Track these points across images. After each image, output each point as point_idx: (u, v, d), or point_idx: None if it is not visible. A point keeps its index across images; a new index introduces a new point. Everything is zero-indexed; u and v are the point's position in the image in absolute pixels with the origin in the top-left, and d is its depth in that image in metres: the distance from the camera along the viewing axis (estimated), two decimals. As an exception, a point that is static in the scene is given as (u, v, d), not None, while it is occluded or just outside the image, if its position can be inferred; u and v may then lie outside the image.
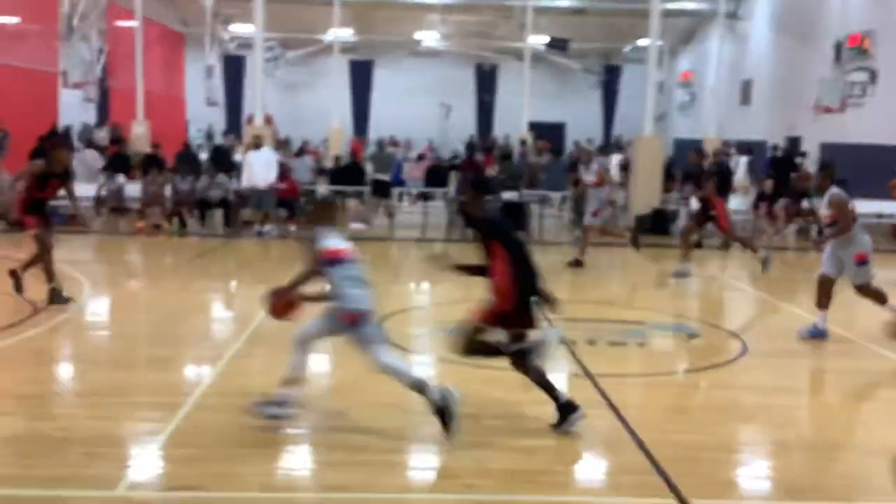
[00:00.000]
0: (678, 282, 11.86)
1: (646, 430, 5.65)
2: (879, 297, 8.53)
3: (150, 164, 16.63)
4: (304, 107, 36.01)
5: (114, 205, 16.29)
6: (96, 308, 9.51)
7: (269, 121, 19.35)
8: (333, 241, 5.52)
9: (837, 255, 8.47)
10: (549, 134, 30.07)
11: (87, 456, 5.13)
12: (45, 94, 24.46)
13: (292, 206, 15.95)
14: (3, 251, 11.66)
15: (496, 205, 15.48)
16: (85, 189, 16.41)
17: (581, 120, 36.33)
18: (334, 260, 5.45)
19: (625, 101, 36.01)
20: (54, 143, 9.84)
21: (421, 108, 36.38)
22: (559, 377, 6.94)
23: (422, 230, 17.01)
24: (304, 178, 17.15)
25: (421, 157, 20.22)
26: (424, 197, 17.87)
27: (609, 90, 37.84)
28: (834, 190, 8.40)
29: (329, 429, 5.61)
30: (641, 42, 29.12)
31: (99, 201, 16.26)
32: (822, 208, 8.56)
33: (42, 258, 8.84)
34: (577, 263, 12.51)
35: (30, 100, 22.96)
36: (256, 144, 15.19)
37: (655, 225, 16.87)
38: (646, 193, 17.44)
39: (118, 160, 17.64)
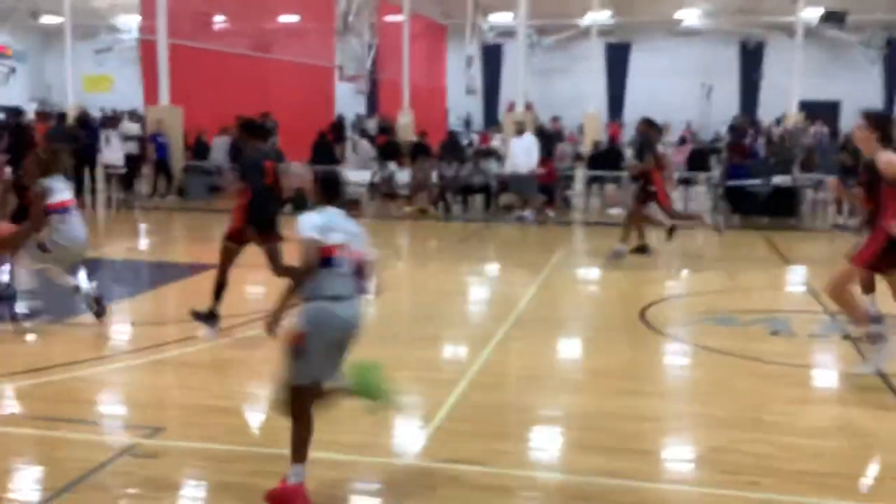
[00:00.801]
0: (616, 263, 11.15)
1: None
2: None
3: (418, 151, 17.44)
4: (560, 92, 36.07)
5: (385, 191, 17.25)
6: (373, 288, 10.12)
7: (529, 107, 19.60)
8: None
9: None
10: (821, 113, 28.08)
11: (378, 425, 5.52)
12: (323, 88, 26.33)
13: (551, 191, 16.10)
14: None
15: (766, 189, 14.73)
16: (359, 175, 17.55)
17: (858, 98, 33.47)
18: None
19: (910, 76, 32.82)
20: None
21: (679, 89, 35.22)
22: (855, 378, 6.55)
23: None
24: (562, 164, 17.22)
25: (683, 141, 19.59)
26: (686, 182, 17.32)
27: (891, 66, 34.57)
28: None
29: (605, 414, 5.62)
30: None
31: (372, 187, 17.29)
32: None
33: None
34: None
35: (309, 93, 24.84)
36: (519, 131, 15.47)
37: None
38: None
39: (389, 148, 18.66)
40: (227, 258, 7.55)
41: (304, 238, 4.21)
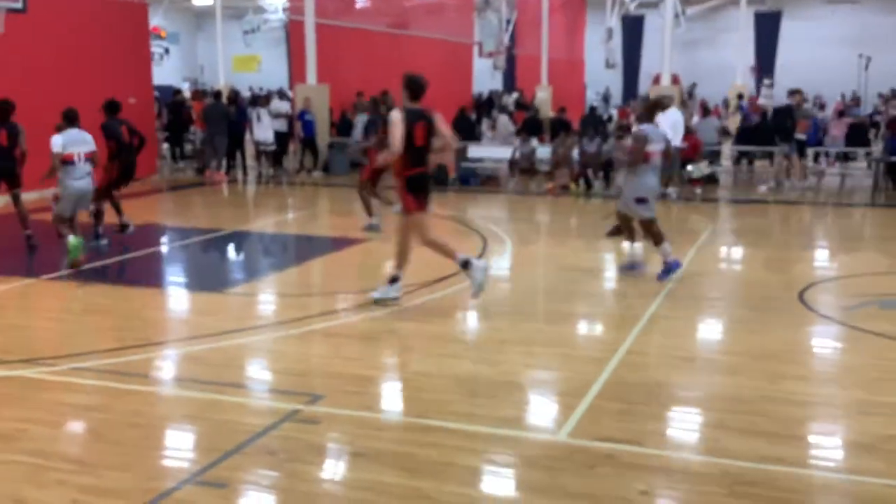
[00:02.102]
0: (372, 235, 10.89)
1: None
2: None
3: (559, 127, 17.24)
4: (705, 64, 34.95)
5: (525, 166, 17.16)
6: (515, 264, 10.11)
7: (675, 80, 19.02)
8: None
9: None
10: None
11: (529, 401, 5.53)
12: (462, 64, 26.41)
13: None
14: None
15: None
16: (500, 152, 17.55)
17: None
18: None
19: None
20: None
21: (834, 60, 33.50)
22: None
23: (839, 194, 15.73)
24: (709, 139, 16.65)
25: (842, 114, 18.55)
26: (845, 157, 16.43)
27: None
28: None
29: (764, 398, 5.41)
30: None
31: (512, 163, 17.23)
32: None
33: None
34: None
35: (449, 70, 24.95)
36: (664, 106, 14.97)
37: None
38: None
39: (531, 124, 18.54)
40: None
41: None
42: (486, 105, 22.86)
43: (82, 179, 9.44)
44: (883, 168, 14.79)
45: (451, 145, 7.83)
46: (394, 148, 7.11)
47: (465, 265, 7.46)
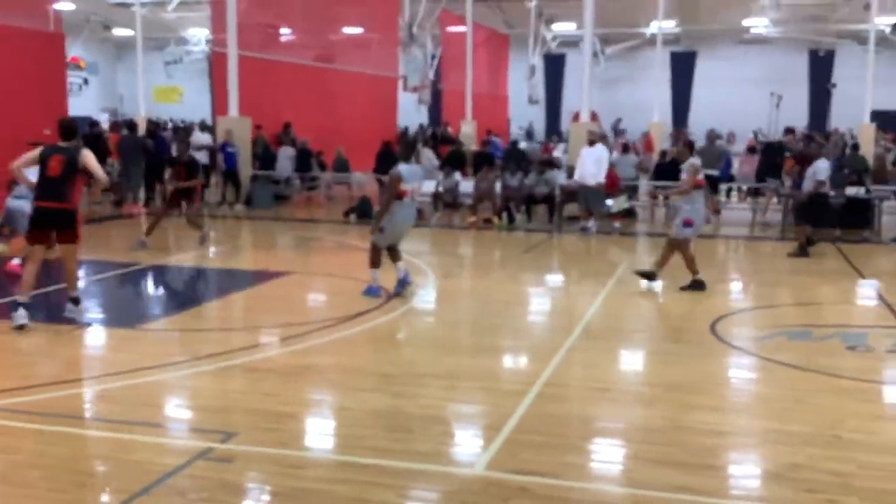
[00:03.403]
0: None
1: None
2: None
3: (481, 161, 17.43)
4: (624, 101, 35.83)
5: (449, 200, 17.27)
6: (438, 297, 10.14)
7: (594, 117, 19.46)
8: None
9: None
10: (893, 124, 27.33)
11: (447, 434, 5.53)
12: (387, 98, 26.54)
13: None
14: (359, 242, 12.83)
15: (839, 201, 14.37)
16: (424, 185, 17.58)
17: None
18: None
19: None
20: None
21: (746, 98, 34.72)
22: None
23: (751, 228, 16.25)
24: (627, 175, 17.05)
25: (752, 150, 19.24)
26: (756, 192, 16.99)
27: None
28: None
29: (678, 428, 5.52)
30: None
31: (436, 197, 17.32)
32: None
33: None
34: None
35: (373, 103, 25.06)
36: (591, 142, 15.32)
37: None
38: None
39: (454, 157, 18.70)
40: None
41: None
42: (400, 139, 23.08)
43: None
44: (791, 203, 15.32)
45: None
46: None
47: None
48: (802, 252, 12.53)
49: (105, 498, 4.50)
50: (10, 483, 4.63)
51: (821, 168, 12.76)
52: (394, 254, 9.49)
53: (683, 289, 9.95)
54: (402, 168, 9.21)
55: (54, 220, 7.82)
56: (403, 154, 9.64)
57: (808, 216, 12.91)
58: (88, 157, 7.82)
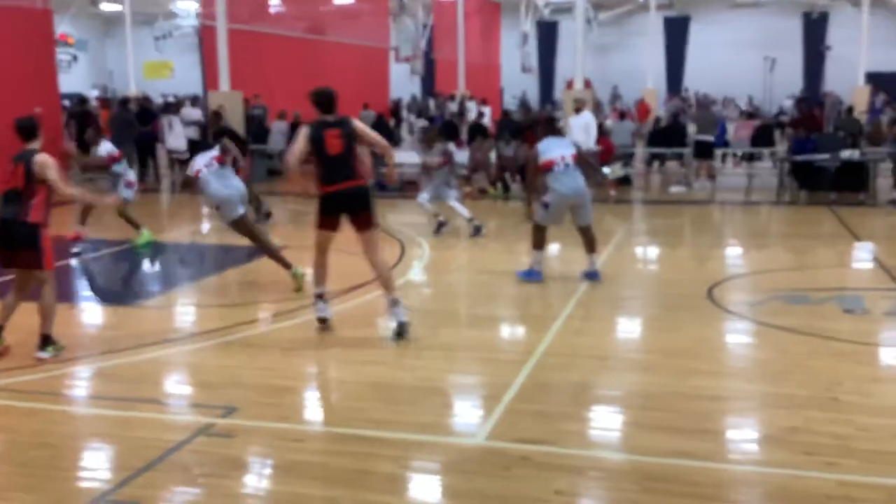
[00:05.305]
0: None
1: None
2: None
3: (475, 131, 17.36)
4: (618, 67, 35.65)
5: (443, 171, 17.20)
6: (434, 268, 10.14)
7: (588, 85, 19.37)
8: None
9: None
10: (890, 86, 27.26)
11: (447, 405, 5.56)
12: (378, 70, 26.38)
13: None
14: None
15: (834, 164, 14.36)
16: (417, 157, 17.52)
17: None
18: None
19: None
20: None
21: (741, 63, 34.53)
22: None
23: (746, 193, 16.25)
24: (624, 142, 17.00)
25: (751, 116, 19.17)
26: (751, 157, 16.97)
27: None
28: None
29: (675, 394, 5.56)
30: None
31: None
32: None
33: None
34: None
35: (365, 75, 24.89)
36: (577, 109, 15.28)
37: None
38: None
39: (448, 128, 18.61)
40: None
41: None
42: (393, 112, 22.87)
43: None
44: (787, 167, 15.32)
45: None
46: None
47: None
48: None
49: (108, 475, 4.52)
50: (12, 463, 4.65)
51: None
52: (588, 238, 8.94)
53: None
54: (540, 145, 8.81)
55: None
56: (543, 133, 9.12)
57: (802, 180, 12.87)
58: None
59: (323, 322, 7.14)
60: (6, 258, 6.52)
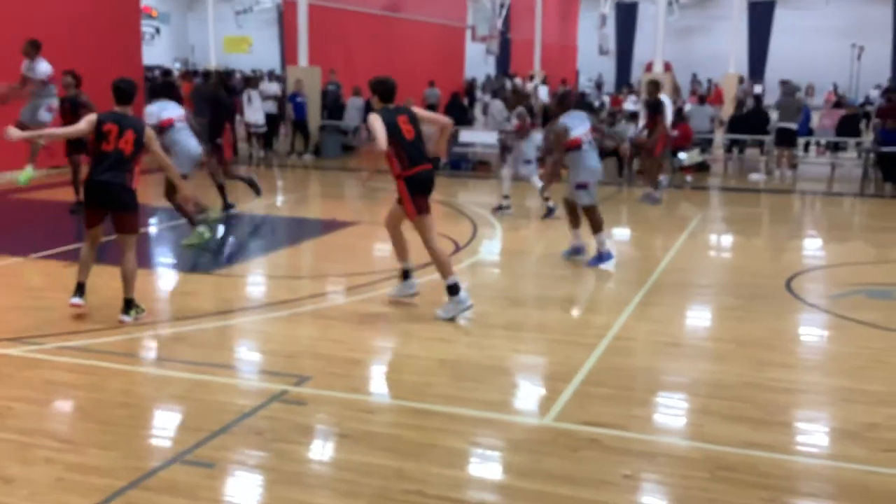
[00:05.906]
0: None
1: None
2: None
3: (550, 113, 17.20)
4: (698, 52, 34.92)
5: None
6: (506, 249, 10.11)
7: (668, 68, 19.01)
8: None
9: None
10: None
11: (516, 385, 5.56)
12: (454, 48, 26.33)
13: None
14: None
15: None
16: (492, 137, 17.48)
17: None
18: None
19: None
20: None
21: (826, 50, 33.56)
22: None
23: (828, 183, 15.79)
24: (702, 127, 16.66)
25: (838, 105, 18.58)
26: (835, 147, 16.46)
27: None
28: None
29: (750, 385, 5.45)
30: None
31: (503, 149, 17.16)
32: None
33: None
34: None
35: (441, 53, 24.88)
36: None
37: None
38: None
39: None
40: None
41: None
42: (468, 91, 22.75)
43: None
44: (873, 159, 14.83)
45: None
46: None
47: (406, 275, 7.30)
48: None
49: (184, 436, 4.65)
50: (94, 420, 4.81)
51: None
52: (576, 218, 8.91)
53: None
54: (564, 119, 8.67)
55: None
56: (556, 111, 9.04)
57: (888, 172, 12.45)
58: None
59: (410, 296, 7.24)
60: (97, 217, 6.66)
